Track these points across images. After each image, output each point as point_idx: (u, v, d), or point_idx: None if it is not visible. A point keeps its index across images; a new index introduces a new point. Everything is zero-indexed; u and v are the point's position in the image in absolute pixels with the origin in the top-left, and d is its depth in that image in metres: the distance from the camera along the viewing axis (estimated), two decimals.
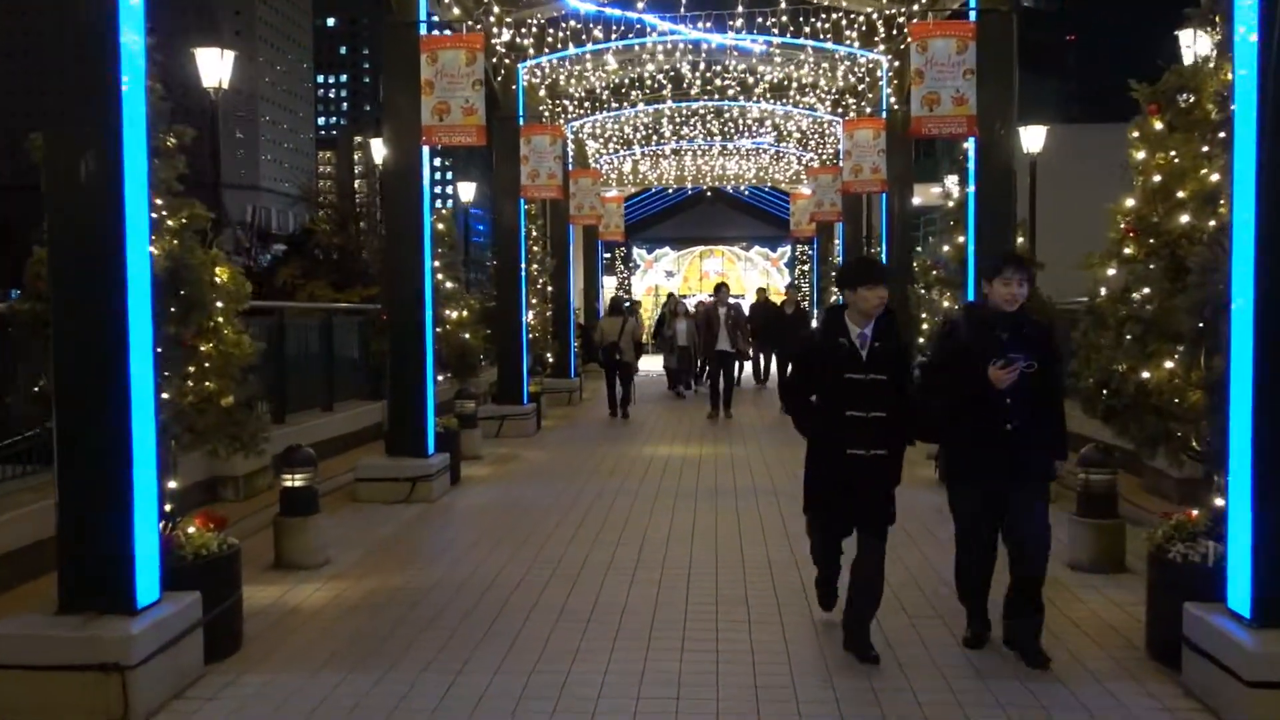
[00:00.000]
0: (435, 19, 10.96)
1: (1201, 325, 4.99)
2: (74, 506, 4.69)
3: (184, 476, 7.85)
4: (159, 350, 5.01)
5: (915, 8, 12.73)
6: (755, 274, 35.85)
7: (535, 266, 16.70)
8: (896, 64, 14.77)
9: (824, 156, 23.22)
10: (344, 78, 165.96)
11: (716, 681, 4.95)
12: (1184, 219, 5.30)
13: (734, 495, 9.69)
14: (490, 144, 12.00)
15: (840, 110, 18.76)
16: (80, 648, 4.45)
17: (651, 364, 22.70)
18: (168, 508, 5.38)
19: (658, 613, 6.05)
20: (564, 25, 14.16)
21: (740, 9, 13.64)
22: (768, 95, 18.89)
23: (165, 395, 5.22)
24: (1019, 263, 5.18)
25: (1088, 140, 25.46)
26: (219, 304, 5.62)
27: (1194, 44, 8.02)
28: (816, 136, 22.93)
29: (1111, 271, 5.62)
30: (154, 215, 5.17)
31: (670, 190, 33.31)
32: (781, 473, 10.76)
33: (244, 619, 5.66)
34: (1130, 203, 5.56)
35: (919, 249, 16.19)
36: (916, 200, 18.33)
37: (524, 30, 14.08)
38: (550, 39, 14.24)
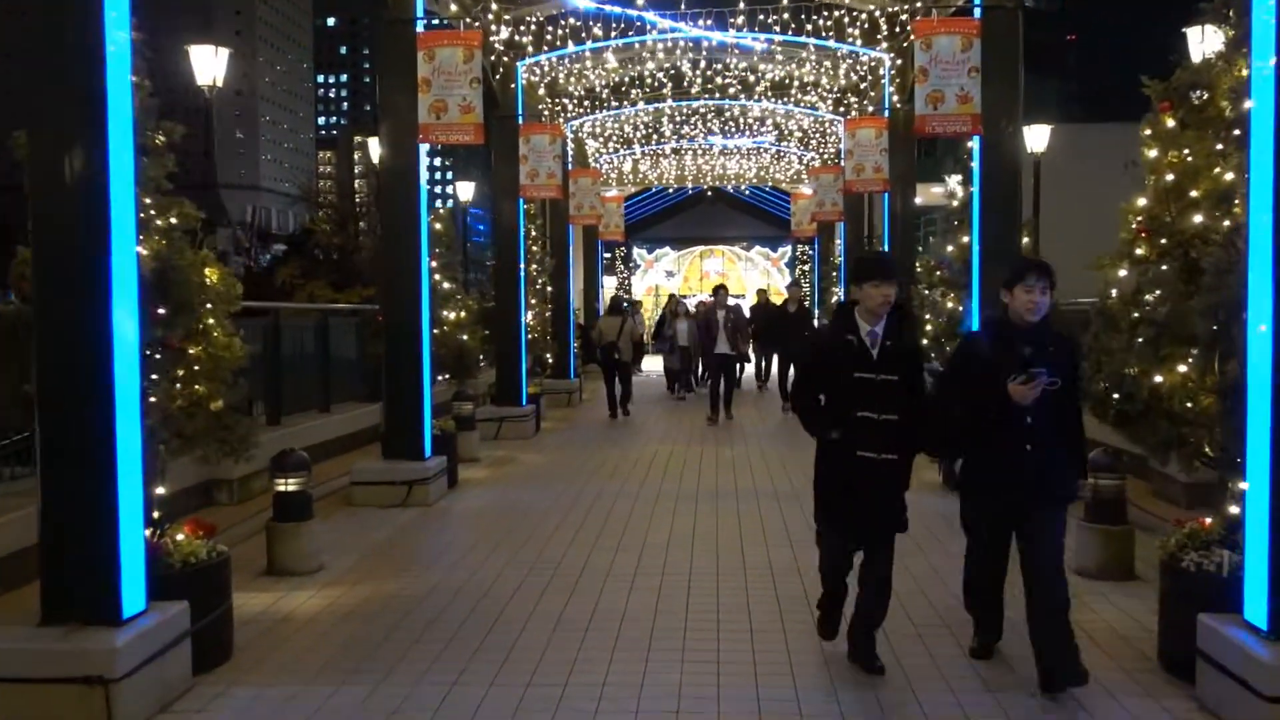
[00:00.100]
0: (433, 16, 10.83)
1: (1216, 328, 4.86)
2: (56, 513, 4.57)
3: (177, 480, 7.73)
4: (146, 353, 4.90)
5: (919, 4, 12.59)
6: (756, 274, 35.76)
7: (534, 267, 16.58)
8: (899, 62, 14.65)
9: (825, 156, 23.10)
10: (344, 77, 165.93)
11: (718, 694, 4.82)
12: (1197, 219, 5.17)
13: (735, 498, 9.56)
14: (489, 143, 11.89)
15: (842, 109, 18.64)
16: (63, 660, 4.32)
17: (653, 364, 22.63)
18: (155, 514, 5.26)
19: (658, 620, 5.92)
20: (563, 23, 14.04)
21: (741, 6, 13.52)
22: (769, 94, 18.76)
23: (153, 399, 5.11)
24: (1041, 269, 4.84)
25: (1088, 140, 25.37)
26: (208, 305, 5.49)
27: (1204, 41, 7.91)
28: (818, 135, 22.81)
29: (1123, 273, 5.48)
30: (142, 214, 5.05)
31: (670, 190, 33.18)
32: (783, 475, 10.65)
33: (235, 627, 5.54)
34: (1142, 202, 5.43)
35: (919, 249, 16.06)
36: (918, 200, 18.19)
37: (523, 28, 13.97)
38: (549, 37, 14.12)
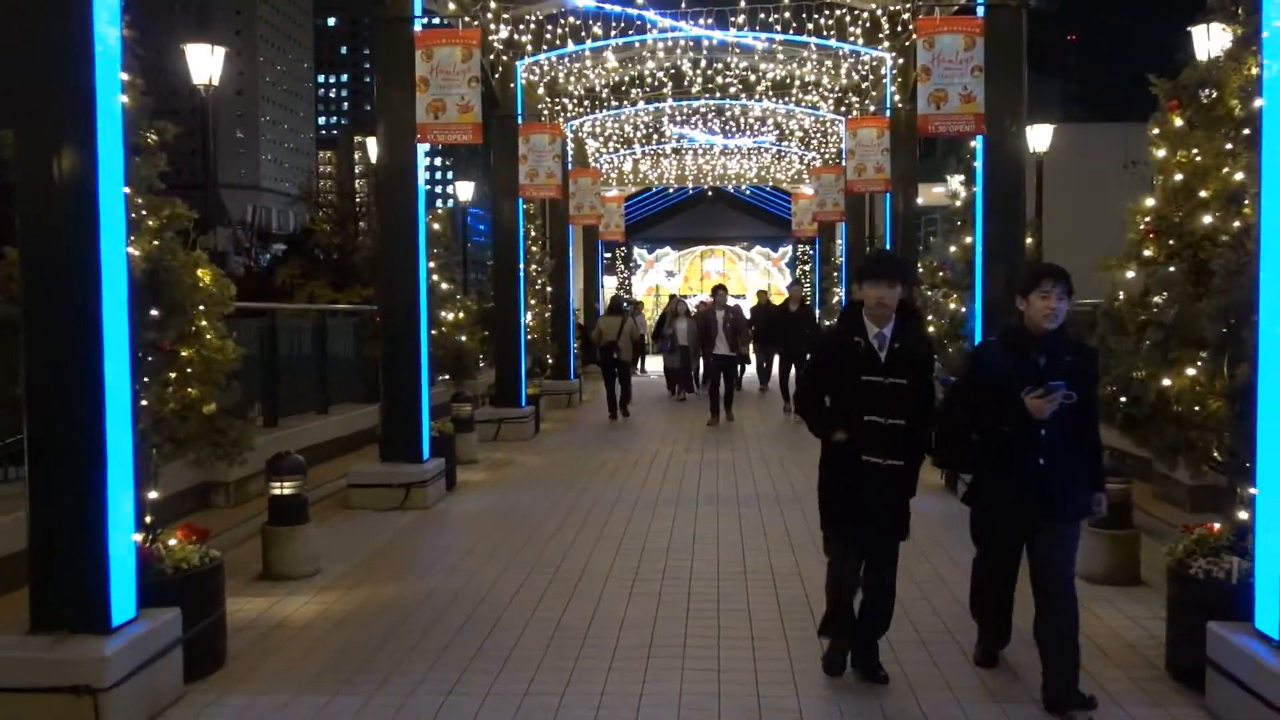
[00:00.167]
0: (431, 14, 10.75)
1: (1226, 331, 4.77)
2: (45, 519, 4.48)
3: (174, 483, 7.69)
4: (137, 355, 4.81)
5: (921, 3, 12.51)
6: (756, 274, 35.69)
7: (534, 267, 16.50)
8: (901, 61, 14.56)
9: (826, 156, 23.01)
10: (344, 77, 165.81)
11: (719, 704, 4.74)
12: (1206, 219, 5.08)
13: (736, 502, 9.46)
14: (488, 143, 11.81)
15: (843, 109, 18.56)
16: (50, 669, 4.24)
17: (654, 364, 22.56)
18: (148, 519, 5.18)
19: (657, 627, 5.84)
20: (563, 22, 13.96)
21: (743, 5, 13.43)
22: (770, 93, 18.66)
23: (144, 402, 5.03)
24: (1058, 274, 4.59)
25: (1089, 140, 25.28)
26: (201, 307, 5.40)
27: (1209, 39, 7.82)
28: (819, 135, 22.72)
29: (1130, 274, 5.38)
30: (133, 214, 4.97)
31: (671, 190, 33.09)
32: (784, 479, 10.55)
33: (228, 634, 5.46)
34: (1150, 202, 5.34)
35: (920, 248, 15.98)
36: (918, 200, 18.11)
37: (522, 27, 13.88)
38: (549, 36, 14.04)
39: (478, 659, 5.35)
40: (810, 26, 13.79)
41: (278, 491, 6.94)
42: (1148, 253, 5.29)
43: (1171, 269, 5.18)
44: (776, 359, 19.74)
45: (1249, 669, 4.27)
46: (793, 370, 16.34)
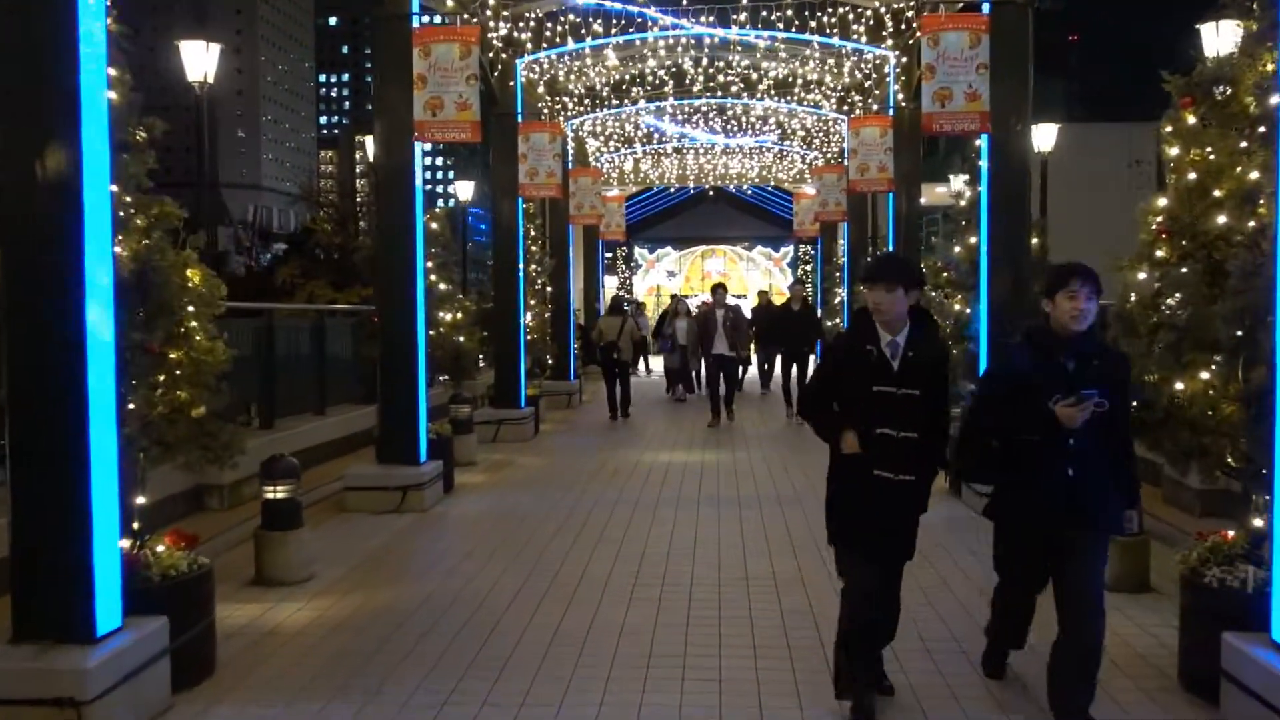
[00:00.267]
0: (429, 11, 10.62)
1: (1240, 333, 4.64)
2: (28, 526, 4.36)
3: (166, 486, 7.56)
4: (124, 357, 4.69)
5: (925, 0, 12.39)
6: (758, 274, 35.58)
7: (534, 267, 16.37)
8: (904, 60, 14.44)
9: (829, 155, 22.89)
10: (345, 77, 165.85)
11: (720, 715, 4.61)
12: (1221, 219, 4.96)
13: (737, 505, 9.34)
14: (487, 141, 11.68)
15: (846, 107, 18.43)
16: (32, 681, 4.12)
17: (657, 364, 22.45)
18: (135, 525, 5.06)
19: (657, 634, 5.72)
20: (563, 19, 13.83)
21: (744, 3, 13.30)
22: (772, 92, 18.54)
23: (132, 405, 4.91)
24: (1086, 273, 4.31)
25: (1091, 140, 25.19)
26: (190, 308, 5.28)
27: (1219, 36, 7.70)
28: (821, 134, 22.59)
29: (1142, 275, 5.25)
30: (120, 213, 4.85)
31: (672, 189, 32.98)
32: (785, 481, 10.42)
33: (218, 641, 5.34)
34: (1162, 202, 5.21)
35: (923, 249, 15.85)
36: (922, 200, 17.99)
37: (521, 24, 13.76)
38: (549, 34, 13.91)
39: (474, 667, 5.23)
40: (813, 24, 13.66)
41: (271, 495, 6.82)
42: (1160, 253, 5.16)
43: (1184, 270, 5.05)
44: (778, 360, 19.60)
45: (1265, 681, 4.15)
46: (794, 370, 16.19)
